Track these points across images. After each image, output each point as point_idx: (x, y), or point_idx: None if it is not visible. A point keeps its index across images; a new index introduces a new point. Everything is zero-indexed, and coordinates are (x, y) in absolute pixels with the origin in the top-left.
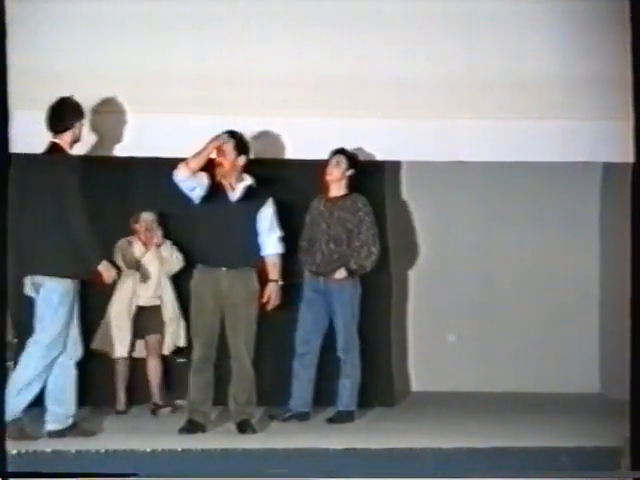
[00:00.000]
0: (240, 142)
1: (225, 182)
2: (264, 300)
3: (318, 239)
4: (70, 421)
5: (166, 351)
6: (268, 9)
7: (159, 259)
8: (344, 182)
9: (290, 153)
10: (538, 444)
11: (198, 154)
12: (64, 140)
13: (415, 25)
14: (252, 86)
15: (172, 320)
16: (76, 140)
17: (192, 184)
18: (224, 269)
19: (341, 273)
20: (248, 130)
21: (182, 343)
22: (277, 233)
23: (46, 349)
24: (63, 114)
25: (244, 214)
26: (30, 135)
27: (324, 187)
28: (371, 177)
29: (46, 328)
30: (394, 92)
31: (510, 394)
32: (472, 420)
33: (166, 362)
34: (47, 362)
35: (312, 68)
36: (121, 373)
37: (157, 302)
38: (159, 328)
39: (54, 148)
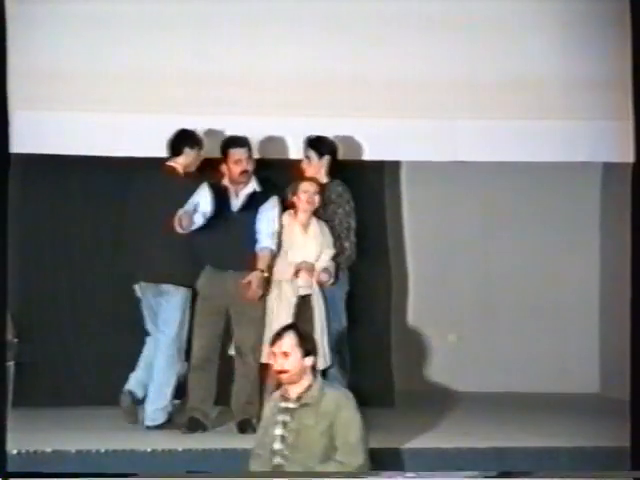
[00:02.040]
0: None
1: (231, 187)
2: (244, 282)
3: None
4: (164, 417)
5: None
6: (268, 9)
7: (321, 235)
8: (322, 171)
9: (290, 153)
10: (538, 444)
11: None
12: (177, 163)
13: (415, 25)
14: (252, 86)
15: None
16: (189, 165)
17: (193, 203)
18: (231, 271)
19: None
20: (248, 130)
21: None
22: (274, 229)
23: (172, 342)
24: (176, 141)
25: (249, 218)
26: (30, 135)
27: (306, 179)
28: (371, 177)
29: (171, 326)
30: (394, 92)
31: (510, 394)
32: (472, 420)
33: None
34: (173, 353)
35: (312, 68)
36: None
37: (309, 291)
38: (312, 323)
39: (167, 169)
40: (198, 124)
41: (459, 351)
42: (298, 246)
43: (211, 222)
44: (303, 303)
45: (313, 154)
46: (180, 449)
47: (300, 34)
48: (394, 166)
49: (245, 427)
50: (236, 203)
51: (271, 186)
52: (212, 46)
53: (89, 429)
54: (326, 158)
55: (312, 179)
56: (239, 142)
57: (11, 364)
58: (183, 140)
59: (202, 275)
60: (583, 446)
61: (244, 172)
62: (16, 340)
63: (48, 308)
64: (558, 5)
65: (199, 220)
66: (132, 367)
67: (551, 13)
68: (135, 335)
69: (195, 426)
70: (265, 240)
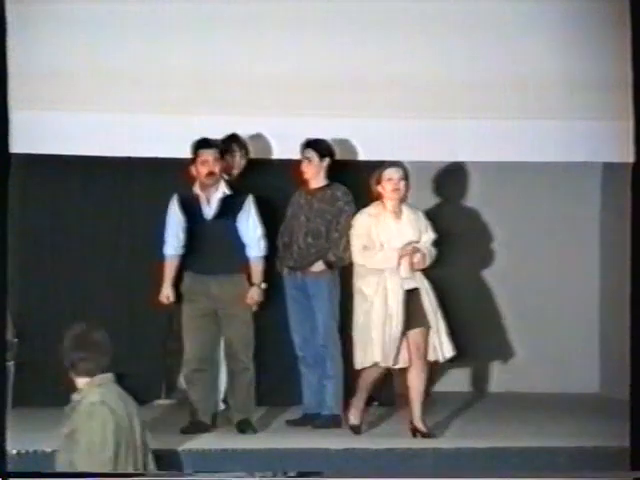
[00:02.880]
0: (220, 149)
1: (202, 194)
2: (247, 302)
3: (296, 232)
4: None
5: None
6: (268, 9)
7: (416, 220)
8: (322, 173)
9: (290, 153)
10: (538, 444)
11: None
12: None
13: (415, 25)
14: (252, 86)
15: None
16: (229, 168)
17: (170, 225)
18: (212, 276)
19: (318, 266)
20: (248, 130)
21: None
22: (258, 234)
23: None
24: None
25: (224, 224)
26: (30, 135)
27: (304, 180)
28: (371, 177)
29: None
30: (394, 92)
31: (510, 394)
32: (472, 420)
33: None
34: None
35: (312, 68)
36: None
37: (417, 284)
38: (422, 319)
39: None
40: (198, 124)
41: (459, 351)
42: (393, 235)
43: (189, 226)
44: (410, 297)
45: (313, 154)
46: (180, 449)
47: (300, 34)
48: None
49: (245, 427)
50: (209, 211)
51: (242, 188)
52: (212, 46)
53: None
54: (326, 160)
55: (396, 164)
56: (207, 144)
57: (11, 364)
58: (225, 145)
59: (184, 279)
60: (583, 446)
61: (211, 174)
62: (16, 340)
63: (48, 308)
64: (558, 5)
65: (180, 238)
66: (131, 366)
67: (551, 13)
68: (135, 335)
69: (198, 428)
70: (254, 249)
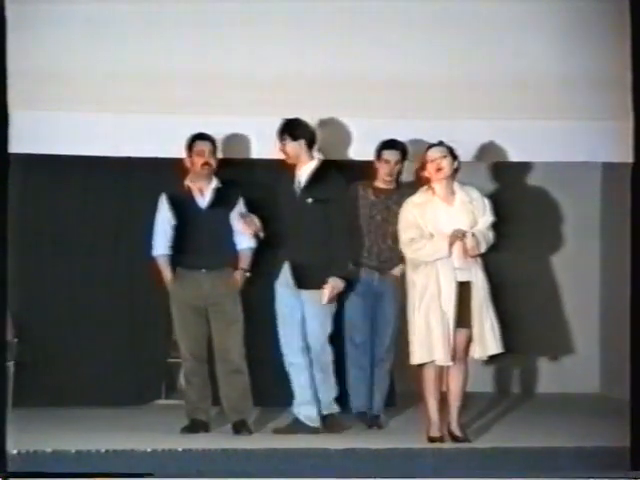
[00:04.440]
0: (214, 144)
1: (194, 186)
2: (230, 280)
3: (371, 231)
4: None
5: (477, 354)
6: (268, 9)
7: (470, 202)
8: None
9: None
10: (538, 444)
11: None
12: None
13: (415, 25)
14: (252, 86)
15: (484, 306)
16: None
17: (160, 222)
18: (204, 271)
19: (399, 270)
20: (248, 130)
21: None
22: None
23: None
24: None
25: (216, 217)
26: (30, 135)
27: (369, 175)
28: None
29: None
30: (394, 92)
31: (510, 394)
32: (472, 420)
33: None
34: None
35: (312, 68)
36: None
37: (470, 277)
38: (468, 320)
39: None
40: (198, 124)
41: None
42: (443, 222)
43: (182, 219)
44: (462, 291)
45: (399, 156)
46: (180, 449)
47: (300, 34)
48: None
49: (240, 428)
50: (202, 202)
51: (234, 184)
52: (212, 46)
53: (89, 429)
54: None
55: (437, 144)
56: (203, 136)
57: (11, 364)
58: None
59: (176, 276)
60: (583, 446)
61: (206, 164)
62: (16, 340)
63: (48, 308)
64: (558, 5)
65: (168, 235)
66: (131, 366)
67: (551, 13)
68: (134, 335)
69: (197, 427)
70: (246, 240)
